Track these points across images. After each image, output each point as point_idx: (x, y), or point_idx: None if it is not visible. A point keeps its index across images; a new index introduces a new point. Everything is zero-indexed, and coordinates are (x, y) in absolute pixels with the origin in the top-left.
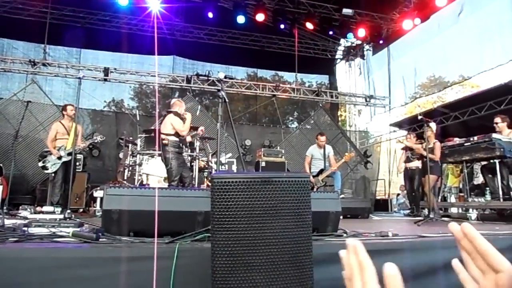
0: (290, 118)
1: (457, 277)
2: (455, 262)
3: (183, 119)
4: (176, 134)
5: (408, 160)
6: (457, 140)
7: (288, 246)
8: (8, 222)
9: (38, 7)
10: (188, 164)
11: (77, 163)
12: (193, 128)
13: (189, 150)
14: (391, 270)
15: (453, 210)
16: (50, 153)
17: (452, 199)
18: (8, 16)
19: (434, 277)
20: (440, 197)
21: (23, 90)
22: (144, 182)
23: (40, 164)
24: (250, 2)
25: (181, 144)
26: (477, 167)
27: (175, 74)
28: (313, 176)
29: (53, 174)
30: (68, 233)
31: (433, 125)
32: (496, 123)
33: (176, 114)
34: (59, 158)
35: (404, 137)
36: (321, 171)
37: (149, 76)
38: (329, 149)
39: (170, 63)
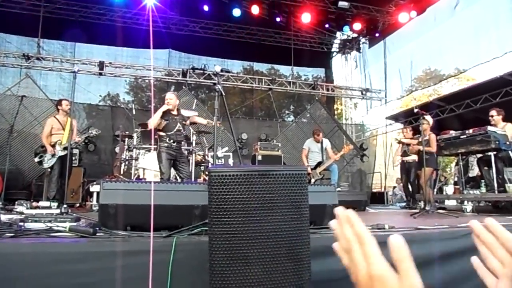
0: (286, 111)
1: (453, 268)
2: (474, 259)
3: None
4: (162, 129)
5: (404, 153)
6: (452, 133)
7: (285, 239)
8: (4, 217)
9: (31, 0)
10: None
11: (73, 158)
12: (194, 123)
13: (186, 145)
14: (397, 240)
15: (448, 202)
16: (45, 149)
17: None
18: (1, 10)
19: (430, 269)
20: (436, 190)
21: (17, 85)
22: (141, 177)
23: (36, 159)
24: None
25: (168, 139)
26: (472, 159)
27: (171, 68)
28: (311, 169)
29: (49, 169)
30: (65, 227)
31: (429, 118)
32: (492, 116)
33: (156, 108)
34: (53, 155)
35: (400, 131)
36: (318, 164)
37: (144, 70)
38: (326, 142)
39: (165, 56)
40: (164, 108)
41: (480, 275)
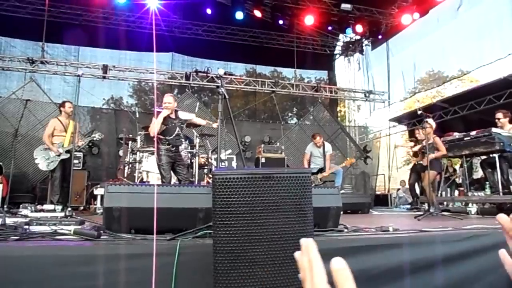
0: (289, 114)
1: (457, 270)
2: (502, 252)
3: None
4: (162, 133)
5: (416, 154)
6: (456, 135)
7: (289, 242)
8: (9, 220)
9: (35, 4)
10: (188, 161)
11: (77, 161)
12: (193, 125)
13: (189, 147)
14: (339, 263)
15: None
16: (47, 149)
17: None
18: (6, 14)
19: (434, 271)
20: (439, 192)
21: (22, 89)
22: (144, 180)
23: (37, 161)
24: None
25: (167, 143)
26: (476, 161)
27: (174, 71)
28: (312, 174)
29: (51, 173)
30: (70, 231)
31: (431, 121)
32: (498, 119)
33: (158, 112)
34: (59, 155)
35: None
36: (320, 170)
37: (147, 73)
38: (328, 147)
39: (168, 60)
40: (164, 113)
41: (507, 269)
